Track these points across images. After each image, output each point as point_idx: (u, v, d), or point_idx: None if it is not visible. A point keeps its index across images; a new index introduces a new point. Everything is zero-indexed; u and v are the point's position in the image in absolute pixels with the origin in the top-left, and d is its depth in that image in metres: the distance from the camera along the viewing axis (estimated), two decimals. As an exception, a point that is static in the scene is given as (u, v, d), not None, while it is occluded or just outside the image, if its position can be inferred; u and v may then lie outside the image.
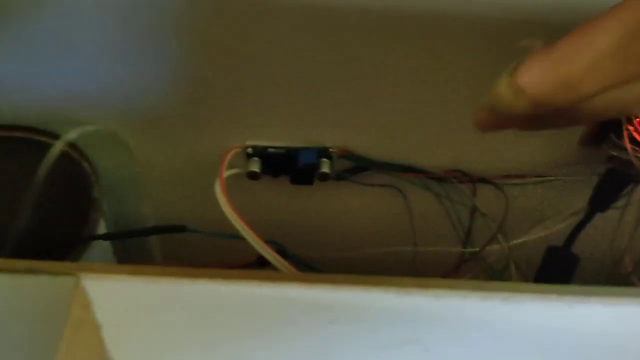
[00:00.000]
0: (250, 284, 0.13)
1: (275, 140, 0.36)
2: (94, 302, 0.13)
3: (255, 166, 0.36)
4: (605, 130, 0.33)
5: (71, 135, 0.33)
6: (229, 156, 0.36)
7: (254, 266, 0.46)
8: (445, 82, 0.33)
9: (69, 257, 0.28)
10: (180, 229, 0.29)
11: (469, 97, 0.26)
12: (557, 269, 0.40)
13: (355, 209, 0.40)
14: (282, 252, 0.37)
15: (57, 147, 0.32)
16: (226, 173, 0.36)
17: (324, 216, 0.41)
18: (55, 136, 0.33)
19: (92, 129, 0.34)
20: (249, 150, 0.37)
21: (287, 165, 0.37)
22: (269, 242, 0.42)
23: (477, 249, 0.37)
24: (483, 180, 0.37)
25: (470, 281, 0.13)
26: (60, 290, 0.13)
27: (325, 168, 0.36)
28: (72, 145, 0.33)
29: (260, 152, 0.37)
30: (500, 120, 0.22)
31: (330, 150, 0.36)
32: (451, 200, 0.37)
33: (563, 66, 0.20)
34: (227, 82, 0.34)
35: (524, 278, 0.40)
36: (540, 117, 0.22)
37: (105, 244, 0.32)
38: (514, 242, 0.37)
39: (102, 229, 0.31)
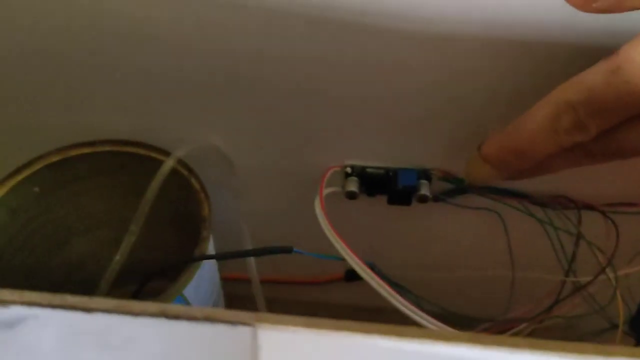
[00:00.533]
0: (424, 342, 0.13)
1: (373, 160, 0.36)
2: (263, 349, 0.13)
3: (353, 186, 0.36)
4: None
5: (181, 151, 0.34)
6: (328, 175, 0.37)
7: (342, 280, 0.47)
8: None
9: (182, 274, 0.29)
10: (288, 250, 0.29)
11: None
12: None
13: (453, 231, 0.40)
14: (375, 271, 0.37)
15: (168, 163, 0.33)
16: (325, 191, 0.36)
17: (419, 236, 0.41)
18: (165, 152, 0.34)
19: (200, 146, 0.35)
20: (348, 169, 0.37)
21: (385, 186, 0.37)
22: (365, 261, 0.42)
23: (582, 280, 0.36)
24: (589, 207, 0.36)
25: (630, 348, 0.13)
26: (236, 339, 0.13)
27: (424, 190, 0.36)
28: (180, 161, 0.34)
29: (358, 172, 0.37)
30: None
31: (430, 171, 0.36)
32: (554, 227, 0.36)
33: (511, 139, 0.26)
34: (328, 102, 0.34)
35: (628, 309, 0.38)
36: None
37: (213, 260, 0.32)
38: (621, 272, 0.35)
39: (210, 246, 0.32)
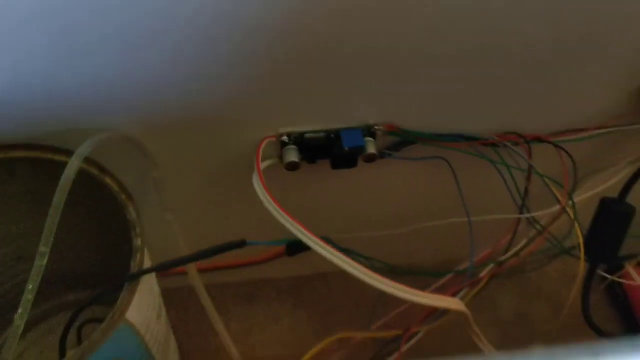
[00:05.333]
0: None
1: (311, 123, 0.32)
2: None
3: (292, 155, 0.32)
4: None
5: (85, 148, 0.28)
6: (263, 147, 0.32)
7: (284, 256, 0.43)
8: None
9: (121, 296, 0.24)
10: (241, 244, 0.25)
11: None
12: (612, 220, 0.38)
13: (403, 185, 0.37)
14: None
15: (73, 166, 0.27)
16: (262, 165, 0.32)
17: (369, 196, 0.38)
18: (66, 152, 0.28)
19: (105, 137, 0.29)
20: (284, 138, 0.32)
21: (328, 150, 0.33)
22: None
23: (537, 215, 0.35)
24: (539, 139, 0.34)
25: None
26: None
27: (371, 149, 0.32)
28: (89, 160, 0.28)
29: (296, 139, 0.33)
30: None
31: (375, 127, 0.33)
32: (504, 165, 0.34)
33: None
34: (250, 65, 0.29)
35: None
36: None
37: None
38: (577, 199, 0.35)
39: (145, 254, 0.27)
